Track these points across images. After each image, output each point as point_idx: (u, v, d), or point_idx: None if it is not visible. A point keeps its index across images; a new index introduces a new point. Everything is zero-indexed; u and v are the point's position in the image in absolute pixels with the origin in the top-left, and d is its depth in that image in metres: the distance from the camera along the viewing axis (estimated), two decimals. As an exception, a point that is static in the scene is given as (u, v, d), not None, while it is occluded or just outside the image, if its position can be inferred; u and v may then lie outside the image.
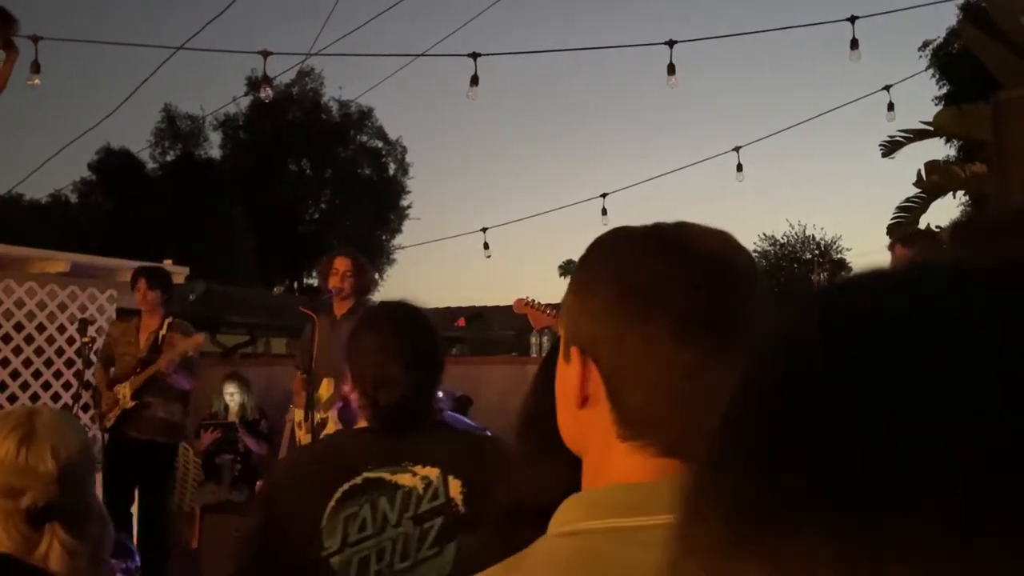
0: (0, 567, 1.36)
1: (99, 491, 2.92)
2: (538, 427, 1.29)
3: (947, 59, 18.70)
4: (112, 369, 5.54)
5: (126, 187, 26.14)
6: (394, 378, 1.85)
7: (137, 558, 2.19)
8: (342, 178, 30.22)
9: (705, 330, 0.77)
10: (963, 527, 0.25)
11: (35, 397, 6.46)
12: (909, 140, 8.10)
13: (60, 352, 6.55)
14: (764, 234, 28.91)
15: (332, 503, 1.80)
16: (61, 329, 6.55)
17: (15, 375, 6.29)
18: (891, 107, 8.23)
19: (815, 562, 0.27)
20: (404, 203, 31.36)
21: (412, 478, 1.82)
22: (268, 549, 1.84)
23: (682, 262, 0.79)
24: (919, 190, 7.85)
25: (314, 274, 24.06)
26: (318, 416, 4.83)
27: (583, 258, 0.85)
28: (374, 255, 27.00)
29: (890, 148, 8.18)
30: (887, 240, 4.56)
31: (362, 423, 1.95)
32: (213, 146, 30.14)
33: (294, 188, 29.21)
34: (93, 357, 5.54)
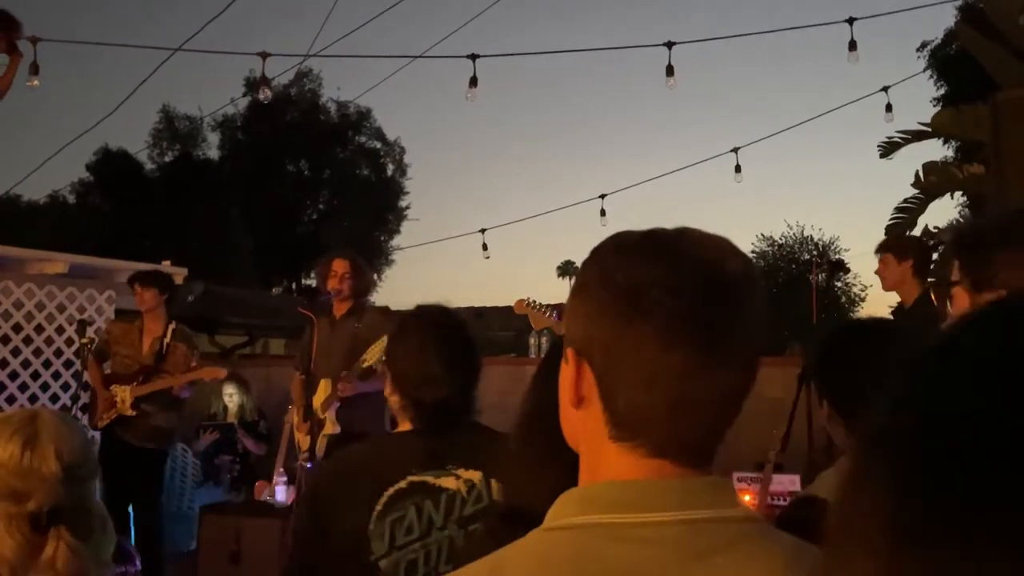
0: None
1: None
2: (536, 432, 1.29)
3: (945, 60, 18.71)
4: (106, 365, 5.53)
5: (124, 188, 26.11)
6: (437, 378, 1.89)
7: (138, 562, 2.19)
8: (340, 179, 30.20)
9: (694, 334, 0.78)
10: None
11: (33, 398, 6.46)
12: (907, 141, 8.11)
13: (59, 353, 6.54)
14: (762, 235, 28.96)
15: (379, 507, 1.83)
16: (59, 330, 6.54)
17: (14, 376, 6.29)
18: (889, 108, 8.23)
19: None
20: (402, 204, 31.37)
21: (456, 481, 1.86)
22: (316, 553, 1.85)
23: (674, 267, 0.80)
24: (917, 191, 7.86)
25: (312, 275, 24.05)
26: (315, 417, 4.83)
27: (584, 261, 0.87)
28: (372, 256, 26.98)
29: (888, 149, 8.19)
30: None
31: (403, 426, 1.96)
32: (211, 147, 30.16)
33: (292, 189, 29.19)
34: (92, 358, 5.54)
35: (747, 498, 3.99)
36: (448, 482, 1.86)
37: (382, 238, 30.63)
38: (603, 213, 9.59)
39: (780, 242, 28.82)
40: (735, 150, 8.97)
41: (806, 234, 29.04)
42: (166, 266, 7.03)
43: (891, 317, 4.44)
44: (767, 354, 0.91)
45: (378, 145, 31.34)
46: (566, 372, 0.84)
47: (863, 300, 28.27)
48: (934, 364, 0.40)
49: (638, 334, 0.78)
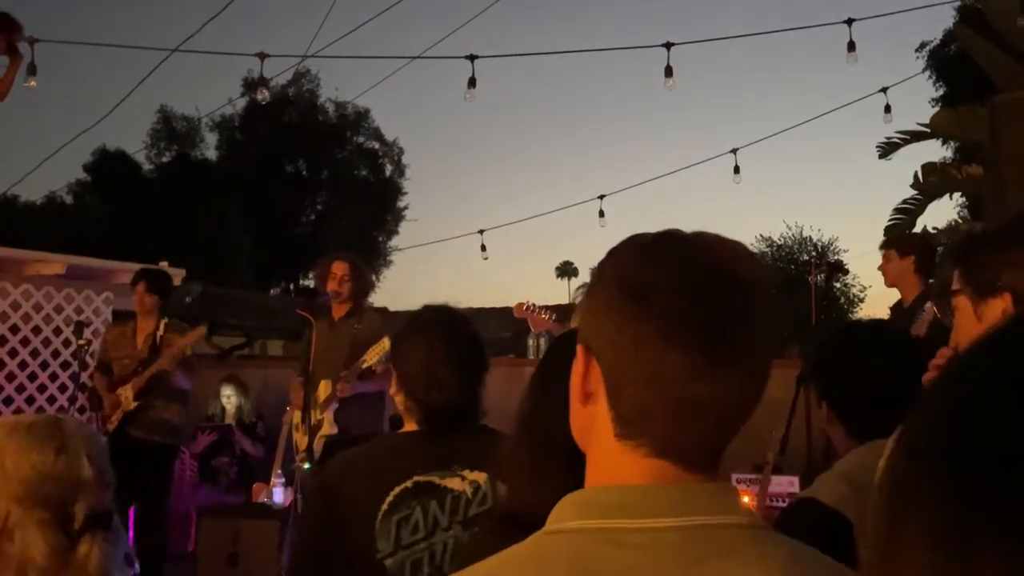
0: None
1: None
2: (534, 433, 1.29)
3: (944, 61, 18.74)
4: (111, 376, 5.53)
5: (122, 189, 26.10)
6: (444, 380, 1.90)
7: (137, 564, 2.18)
8: (339, 179, 30.21)
9: (696, 335, 0.78)
10: None
11: (31, 400, 6.45)
12: (906, 142, 8.11)
13: (56, 354, 6.54)
14: (761, 235, 28.95)
15: (385, 506, 1.84)
16: (57, 331, 6.54)
17: (11, 377, 6.28)
18: (888, 109, 8.22)
19: None
20: (401, 204, 31.38)
21: (461, 482, 1.87)
22: (322, 550, 1.86)
23: (681, 268, 0.80)
24: (916, 192, 7.87)
25: (311, 275, 24.05)
26: (315, 417, 4.82)
27: (600, 261, 0.88)
28: (371, 256, 26.98)
29: (887, 150, 8.19)
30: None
31: (409, 426, 1.97)
32: (209, 147, 30.15)
33: (290, 189, 29.17)
34: (89, 359, 5.52)
35: (745, 499, 3.98)
36: (454, 483, 1.87)
37: (380, 239, 30.64)
38: (602, 214, 9.58)
39: (779, 243, 28.85)
40: (734, 151, 8.96)
41: (805, 235, 29.08)
42: (164, 267, 7.02)
43: (890, 316, 4.43)
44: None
45: (376, 145, 31.36)
46: (576, 368, 0.86)
47: (862, 301, 28.31)
48: (970, 385, 0.42)
49: (641, 333, 0.79)
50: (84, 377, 5.46)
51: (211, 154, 29.97)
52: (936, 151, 16.02)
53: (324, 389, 4.76)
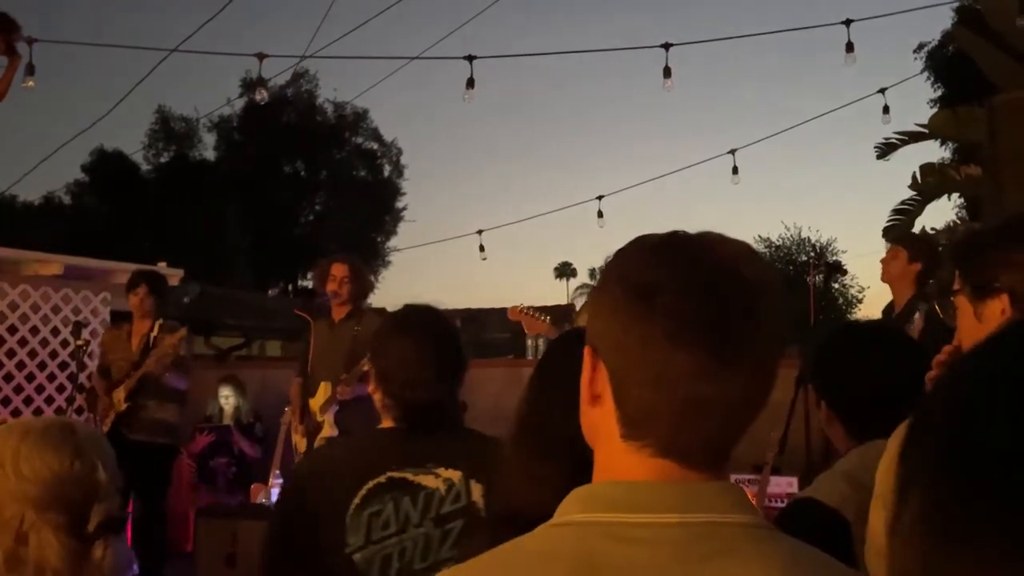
0: None
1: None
2: (532, 434, 1.29)
3: (942, 62, 18.76)
4: (110, 379, 5.51)
5: (120, 189, 26.09)
6: (422, 379, 1.90)
7: (135, 566, 2.18)
8: (337, 180, 30.21)
9: (702, 335, 0.78)
10: None
11: (28, 400, 6.44)
12: (904, 142, 8.12)
13: (54, 355, 6.53)
14: (759, 236, 29.00)
15: (357, 500, 1.84)
16: (55, 332, 6.53)
17: (8, 378, 6.27)
18: (886, 110, 8.21)
19: None
20: (399, 205, 31.39)
21: (435, 480, 1.86)
22: (293, 541, 1.87)
23: (687, 268, 0.81)
24: (914, 192, 7.87)
25: (309, 276, 24.00)
26: (313, 419, 4.82)
27: (606, 263, 0.89)
28: (369, 257, 26.98)
29: (885, 150, 8.20)
30: (882, 242, 4.55)
31: (386, 423, 1.97)
32: (207, 148, 30.15)
33: (289, 190, 29.17)
34: (87, 360, 5.51)
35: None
36: (427, 480, 1.87)
37: (379, 239, 30.65)
38: (600, 215, 9.57)
39: (777, 244, 28.92)
40: (732, 152, 8.96)
41: (803, 236, 29.15)
42: (162, 267, 7.02)
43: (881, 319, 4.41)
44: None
45: (375, 146, 31.37)
46: (584, 370, 0.86)
47: (860, 302, 28.35)
48: (971, 386, 0.42)
49: (647, 333, 0.79)
50: (82, 378, 5.44)
51: (209, 154, 30.00)
52: (934, 152, 16.06)
53: (324, 391, 4.76)
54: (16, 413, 6.34)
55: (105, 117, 15.70)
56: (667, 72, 7.16)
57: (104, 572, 1.40)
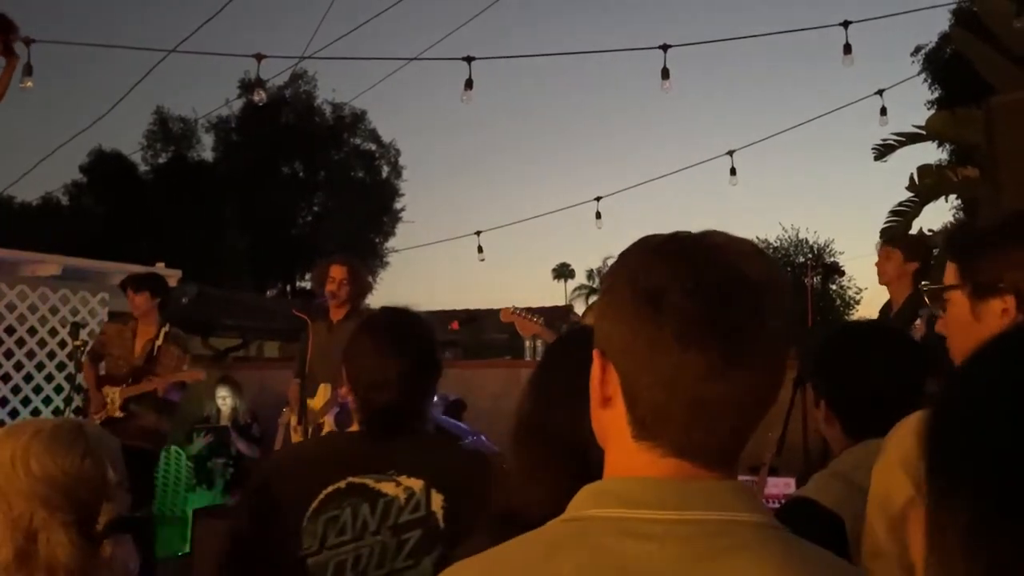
0: None
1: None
2: (531, 435, 1.29)
3: (939, 64, 18.76)
4: (101, 366, 5.49)
5: (118, 190, 26.06)
6: (387, 381, 1.86)
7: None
8: (335, 181, 30.19)
9: (711, 336, 0.79)
10: None
11: (26, 401, 6.44)
12: (902, 144, 8.12)
13: (52, 355, 6.52)
14: (757, 237, 28.89)
15: (315, 504, 1.80)
16: (53, 332, 6.52)
17: (6, 378, 6.27)
18: (884, 111, 8.22)
19: None
20: (397, 206, 31.37)
21: (395, 488, 1.82)
22: (251, 541, 1.84)
23: (694, 269, 0.81)
24: (912, 194, 7.88)
25: (307, 277, 24.01)
26: (314, 421, 4.82)
27: (611, 265, 0.89)
28: (367, 258, 26.97)
29: (883, 152, 8.20)
30: (880, 244, 4.54)
31: (354, 426, 1.95)
32: (206, 148, 30.11)
33: (287, 191, 29.15)
34: (85, 360, 5.51)
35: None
36: (388, 487, 1.82)
37: (377, 240, 30.62)
38: (599, 216, 9.58)
39: (775, 245, 28.88)
40: (730, 153, 8.96)
41: (801, 237, 29.13)
42: (160, 268, 7.02)
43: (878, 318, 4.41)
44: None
45: (373, 147, 31.36)
46: (593, 373, 0.86)
47: (858, 303, 28.35)
48: (973, 389, 0.44)
49: (657, 336, 0.80)
50: (80, 379, 5.44)
51: (207, 155, 29.96)
52: (932, 153, 16.07)
53: (323, 392, 4.75)
54: (14, 414, 6.34)
55: (103, 118, 15.63)
56: (665, 73, 7.16)
57: (113, 570, 1.41)
